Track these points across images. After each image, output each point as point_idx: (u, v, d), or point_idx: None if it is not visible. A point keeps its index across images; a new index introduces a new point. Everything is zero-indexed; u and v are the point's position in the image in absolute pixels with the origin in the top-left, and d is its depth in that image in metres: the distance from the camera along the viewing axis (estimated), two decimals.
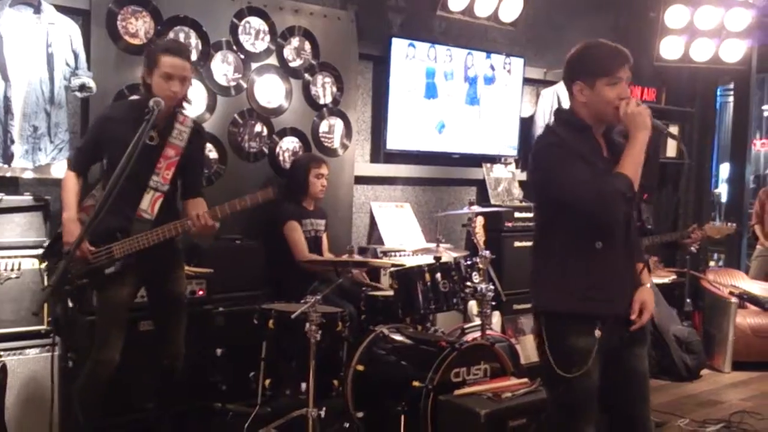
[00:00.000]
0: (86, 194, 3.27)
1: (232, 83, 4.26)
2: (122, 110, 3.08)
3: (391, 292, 3.92)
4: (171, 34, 3.97)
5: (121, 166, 2.54)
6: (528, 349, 5.01)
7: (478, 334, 3.97)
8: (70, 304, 3.00)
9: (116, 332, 2.96)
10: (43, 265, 3.26)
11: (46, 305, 3.20)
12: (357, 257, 4.25)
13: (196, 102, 4.09)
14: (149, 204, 2.95)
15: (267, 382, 3.46)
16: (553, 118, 2.47)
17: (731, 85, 7.32)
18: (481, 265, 4.03)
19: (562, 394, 2.32)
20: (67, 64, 3.56)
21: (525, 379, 3.36)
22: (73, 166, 3.10)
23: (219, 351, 3.63)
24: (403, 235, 4.87)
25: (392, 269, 3.95)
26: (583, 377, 2.26)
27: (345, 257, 3.87)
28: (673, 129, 6.67)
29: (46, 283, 3.23)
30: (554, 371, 2.27)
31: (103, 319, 2.97)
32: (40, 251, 3.31)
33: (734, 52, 5.97)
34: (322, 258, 4.14)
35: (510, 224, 5.14)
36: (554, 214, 2.34)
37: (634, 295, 2.34)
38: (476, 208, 4.34)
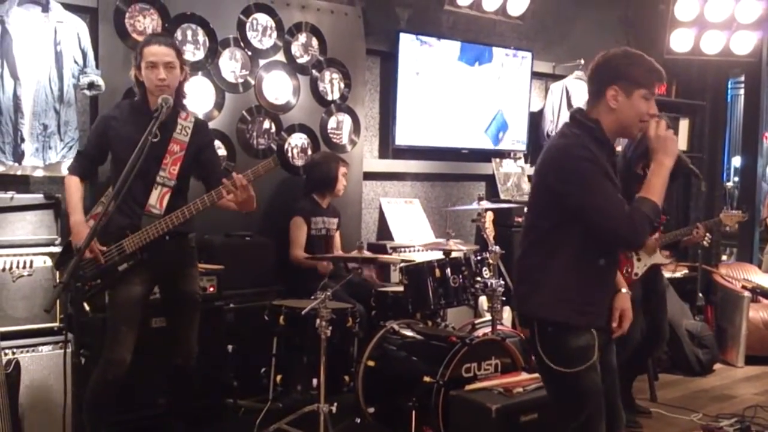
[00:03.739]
0: (95, 200, 3.27)
1: (240, 80, 4.26)
2: (123, 110, 3.06)
3: (401, 288, 3.92)
4: (178, 32, 3.98)
5: (129, 164, 2.54)
6: None
7: (488, 329, 3.96)
8: (87, 308, 3.00)
9: (127, 331, 2.93)
10: (52, 263, 3.28)
11: (58, 302, 3.22)
12: (367, 253, 4.24)
13: (204, 99, 4.12)
14: (157, 199, 2.96)
15: (278, 378, 3.48)
16: (570, 120, 2.33)
17: (742, 78, 7.25)
18: (491, 261, 4.03)
19: (569, 390, 2.25)
20: (76, 62, 3.57)
21: (536, 374, 3.34)
22: (75, 170, 3.06)
23: (230, 347, 3.63)
24: (412, 230, 4.86)
25: (402, 265, 3.94)
26: (589, 370, 2.22)
27: (354, 253, 3.86)
28: (684, 122, 6.65)
29: (58, 280, 3.24)
30: (554, 370, 2.23)
31: (114, 317, 2.96)
32: (51, 249, 3.33)
33: (745, 44, 5.92)
34: (311, 256, 3.99)
35: (520, 219, 5.12)
36: (566, 226, 2.24)
37: (613, 303, 2.34)
38: (485, 204, 4.32)
